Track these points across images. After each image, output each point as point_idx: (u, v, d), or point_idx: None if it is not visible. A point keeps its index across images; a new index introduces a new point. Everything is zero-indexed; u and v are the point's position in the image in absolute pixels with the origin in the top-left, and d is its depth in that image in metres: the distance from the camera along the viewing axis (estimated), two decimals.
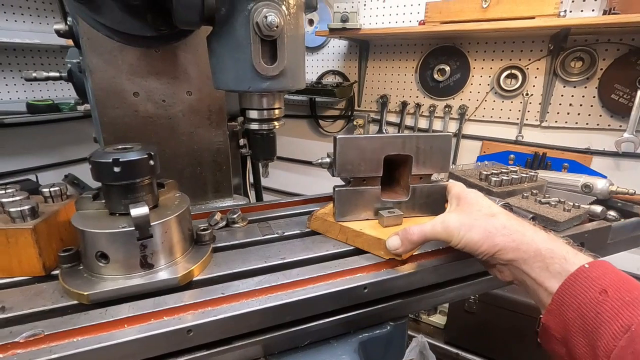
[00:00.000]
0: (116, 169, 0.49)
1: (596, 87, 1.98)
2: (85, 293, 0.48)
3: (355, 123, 2.72)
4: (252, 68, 0.61)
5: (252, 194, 1.51)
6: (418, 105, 2.50)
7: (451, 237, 0.54)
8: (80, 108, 1.30)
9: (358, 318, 0.58)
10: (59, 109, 2.65)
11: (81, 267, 0.54)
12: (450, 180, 0.71)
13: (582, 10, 1.91)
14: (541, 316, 0.48)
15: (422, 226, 0.56)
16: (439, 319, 2.38)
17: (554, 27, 1.78)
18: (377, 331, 0.62)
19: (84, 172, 2.89)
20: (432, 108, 2.45)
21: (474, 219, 0.53)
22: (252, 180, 1.55)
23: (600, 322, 0.40)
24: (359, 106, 2.75)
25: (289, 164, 3.16)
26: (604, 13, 1.73)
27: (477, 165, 1.17)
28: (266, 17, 0.56)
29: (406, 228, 0.57)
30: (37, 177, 2.75)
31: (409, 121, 2.58)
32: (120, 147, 0.54)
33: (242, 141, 1.32)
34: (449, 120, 2.42)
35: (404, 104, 2.54)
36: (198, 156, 1.00)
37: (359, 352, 0.59)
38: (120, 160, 0.49)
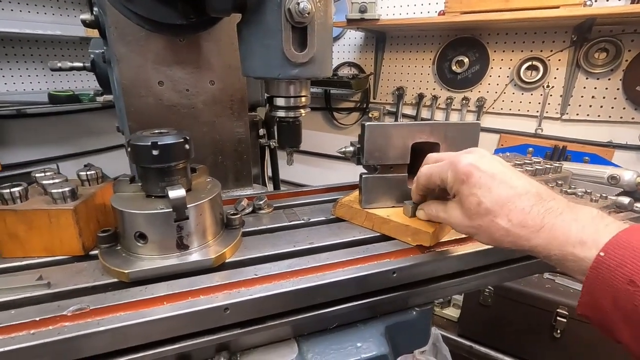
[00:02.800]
0: (154, 152, 0.51)
1: (620, 79, 1.93)
2: (126, 271, 0.50)
3: (370, 115, 2.71)
4: (282, 55, 0.62)
5: (269, 187, 1.52)
6: (435, 98, 2.47)
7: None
8: (100, 99, 1.32)
9: (385, 302, 0.59)
10: (79, 99, 2.71)
11: (119, 248, 0.56)
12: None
13: (607, 0, 1.86)
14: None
15: (441, 215, 0.55)
16: (452, 312, 2.38)
17: (578, 16, 1.73)
18: (403, 316, 0.63)
19: (102, 163, 2.95)
20: (449, 100, 2.42)
21: (476, 223, 0.48)
22: (269, 174, 1.56)
23: None
24: (374, 98, 2.74)
25: (303, 157, 3.17)
26: (632, 2, 1.67)
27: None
28: (298, 3, 0.56)
29: (434, 209, 0.57)
30: (58, 167, 2.82)
31: (425, 113, 2.56)
32: (156, 131, 0.55)
33: (261, 131, 1.33)
34: (466, 113, 2.39)
35: (421, 96, 2.52)
36: (220, 145, 1.01)
37: (385, 336, 0.60)
38: (159, 143, 0.51)
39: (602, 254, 0.39)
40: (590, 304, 0.42)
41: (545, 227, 0.43)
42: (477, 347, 2.11)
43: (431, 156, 0.58)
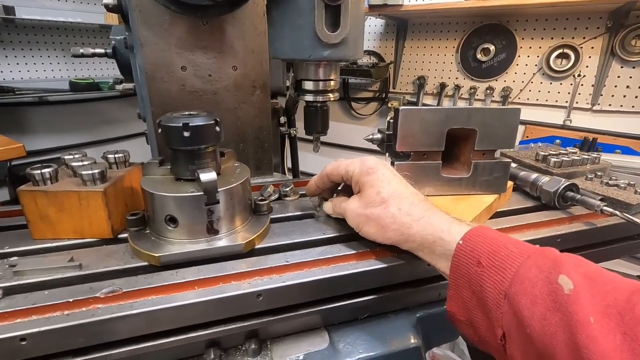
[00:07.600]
0: (185, 134, 0.49)
1: None
2: (157, 255, 0.49)
3: (389, 105, 2.66)
4: (314, 35, 0.59)
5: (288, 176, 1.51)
6: (457, 87, 2.40)
7: (353, 227, 0.55)
8: (119, 87, 1.32)
9: (417, 293, 0.57)
10: (98, 87, 2.74)
11: (147, 231, 0.55)
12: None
13: None
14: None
15: (342, 205, 0.58)
16: None
17: (617, 0, 1.64)
18: (435, 309, 0.60)
19: None
20: (472, 90, 2.35)
21: (369, 211, 0.52)
22: (289, 164, 1.54)
23: (485, 295, 0.39)
24: (394, 88, 2.68)
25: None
26: None
27: (529, 147, 1.11)
28: None
29: (338, 202, 0.59)
30: None
31: (446, 103, 2.50)
32: (186, 113, 0.54)
33: (282, 119, 1.31)
34: (490, 103, 2.32)
35: (443, 86, 2.45)
36: (241, 132, 0.99)
37: (417, 328, 0.58)
38: (190, 125, 0.49)
39: (461, 242, 0.43)
40: (455, 297, 0.44)
41: (424, 217, 0.49)
42: None
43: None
